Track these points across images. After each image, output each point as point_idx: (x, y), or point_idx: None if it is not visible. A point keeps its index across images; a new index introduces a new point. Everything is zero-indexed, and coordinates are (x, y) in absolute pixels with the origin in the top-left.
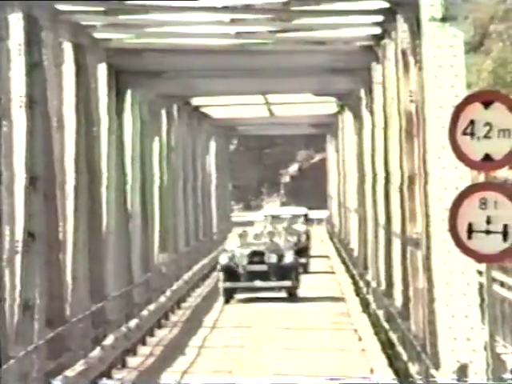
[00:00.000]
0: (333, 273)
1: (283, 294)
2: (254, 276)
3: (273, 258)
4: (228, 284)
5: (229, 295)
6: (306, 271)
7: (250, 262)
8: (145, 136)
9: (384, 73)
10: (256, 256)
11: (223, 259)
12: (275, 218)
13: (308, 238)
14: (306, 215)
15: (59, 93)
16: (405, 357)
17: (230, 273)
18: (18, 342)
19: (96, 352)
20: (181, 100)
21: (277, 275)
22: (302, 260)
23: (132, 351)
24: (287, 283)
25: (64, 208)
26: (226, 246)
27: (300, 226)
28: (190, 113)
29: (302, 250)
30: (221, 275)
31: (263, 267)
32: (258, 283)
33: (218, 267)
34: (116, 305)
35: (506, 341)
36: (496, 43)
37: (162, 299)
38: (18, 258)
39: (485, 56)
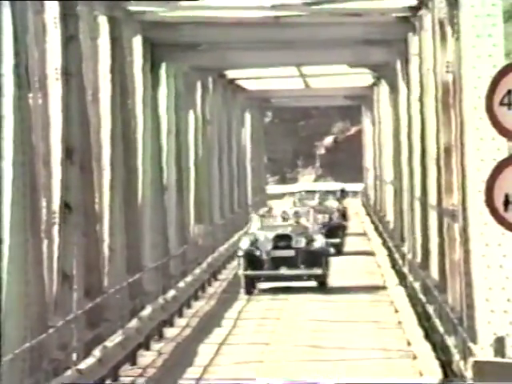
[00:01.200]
0: (370, 251)
1: (312, 283)
2: (279, 263)
3: (301, 242)
4: (249, 272)
5: (250, 285)
6: (339, 252)
7: (275, 247)
8: (180, 109)
9: (421, 44)
10: (282, 240)
11: (244, 243)
12: (308, 194)
13: (343, 215)
14: (342, 190)
15: (95, 66)
16: (441, 329)
17: (252, 259)
18: (56, 312)
19: (133, 323)
20: (215, 73)
21: (306, 262)
22: (335, 240)
23: (169, 322)
24: (317, 271)
25: (100, 180)
26: (249, 228)
27: (332, 203)
28: (225, 85)
29: (333, 230)
30: (241, 262)
31: (290, 252)
32: (283, 271)
33: (238, 252)
34: (153, 276)
35: None
36: None
37: (198, 271)
38: (56, 229)
39: None
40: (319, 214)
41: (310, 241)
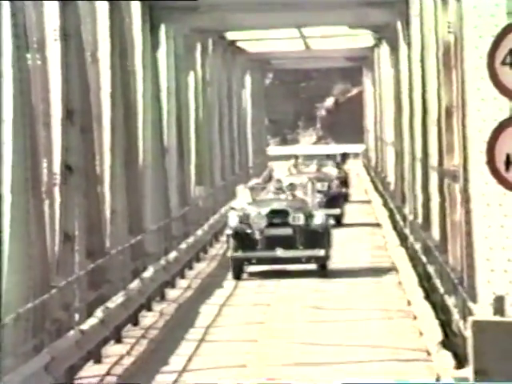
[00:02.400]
0: (371, 212)
1: (312, 266)
2: (274, 243)
3: (299, 219)
4: (240, 253)
5: (240, 268)
6: (338, 223)
7: (270, 225)
8: (180, 71)
9: (421, 4)
10: (277, 216)
11: (233, 220)
12: (307, 159)
13: (344, 182)
14: (343, 155)
15: (93, 27)
16: (441, 290)
17: (243, 239)
18: (58, 272)
19: (135, 284)
20: (215, 34)
21: (305, 242)
22: (335, 211)
23: (171, 284)
24: (318, 252)
25: (101, 142)
26: (234, 203)
27: (332, 170)
28: (225, 47)
29: (333, 200)
30: (230, 241)
31: (287, 231)
32: (279, 252)
33: (226, 231)
34: (154, 238)
35: None
36: None
37: (200, 232)
38: (57, 191)
39: None
40: (317, 182)
41: (310, 217)
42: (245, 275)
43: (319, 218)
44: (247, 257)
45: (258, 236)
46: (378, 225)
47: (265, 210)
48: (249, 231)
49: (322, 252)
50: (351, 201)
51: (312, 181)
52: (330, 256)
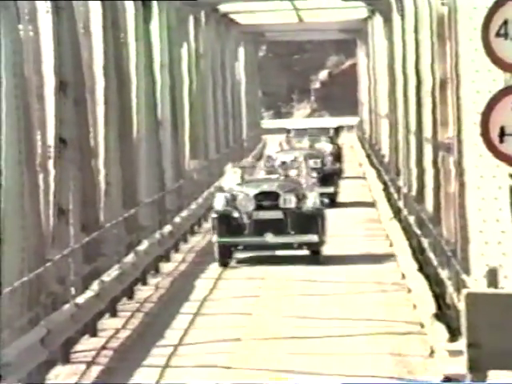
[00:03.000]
0: (364, 178)
1: (304, 252)
2: (263, 227)
3: (291, 202)
4: (226, 239)
5: (226, 255)
6: (332, 202)
7: (259, 207)
8: (173, 43)
9: None
10: (267, 198)
11: (219, 202)
12: (300, 133)
13: (338, 158)
14: (336, 129)
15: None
16: (435, 262)
17: (229, 223)
18: (53, 246)
19: (130, 257)
20: (208, 7)
21: (296, 226)
22: (328, 189)
23: (165, 257)
24: (311, 238)
25: (94, 114)
26: (223, 182)
27: (325, 145)
28: (218, 20)
29: (326, 177)
30: (215, 226)
31: (277, 214)
32: (269, 238)
33: (212, 214)
34: (149, 211)
35: None
36: None
37: (194, 206)
38: (51, 164)
39: None
40: (310, 158)
41: (302, 199)
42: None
43: (313, 200)
44: (234, 242)
45: (245, 220)
46: (372, 197)
47: (253, 192)
48: (236, 215)
49: (314, 238)
50: (347, 173)
51: (306, 158)
52: (323, 242)
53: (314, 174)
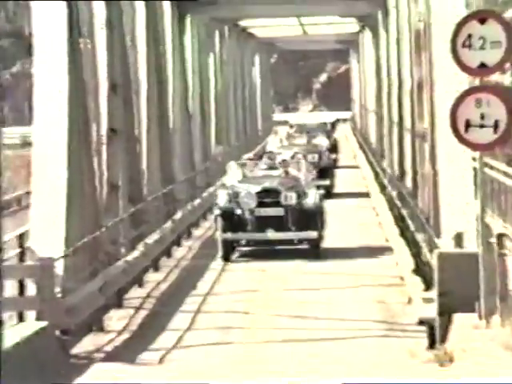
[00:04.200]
0: (356, 165)
1: (304, 246)
2: (265, 224)
3: (291, 198)
4: (229, 235)
5: (229, 250)
6: (328, 194)
7: (260, 204)
8: (202, 52)
9: None
10: (268, 195)
11: (221, 199)
12: (300, 128)
13: (334, 149)
14: (333, 123)
15: (133, 17)
16: (413, 228)
17: (232, 219)
18: (107, 215)
19: (168, 224)
20: (230, 23)
21: (297, 223)
22: (324, 182)
23: (196, 224)
24: (311, 234)
25: (139, 110)
26: (226, 179)
27: (323, 141)
28: (239, 33)
29: (323, 171)
30: (218, 222)
31: (278, 211)
32: (270, 234)
33: (215, 210)
34: (182, 188)
35: (494, 212)
36: None
37: (219, 183)
38: (104, 149)
39: None
40: (308, 153)
41: (303, 196)
42: None
43: (312, 197)
44: (236, 238)
45: (247, 216)
46: (358, 167)
47: (255, 189)
48: (238, 211)
49: (314, 234)
50: (341, 156)
51: (304, 154)
52: (323, 237)
53: (313, 171)
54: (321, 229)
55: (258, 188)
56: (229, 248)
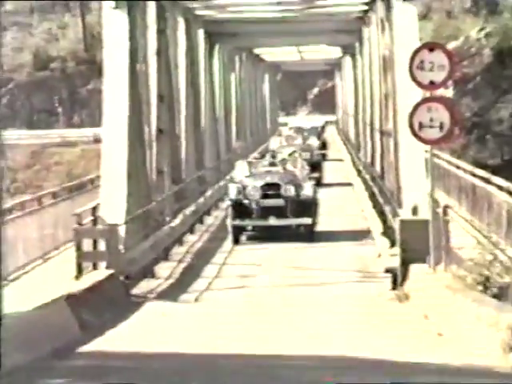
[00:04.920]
0: (340, 158)
1: (301, 231)
2: (268, 212)
3: (290, 191)
4: (238, 221)
5: (238, 234)
6: (318, 184)
7: (264, 196)
8: (225, 72)
9: (369, 32)
10: (271, 188)
11: (232, 192)
12: (297, 131)
13: (324, 146)
14: (323, 127)
15: (175, 46)
16: (381, 201)
17: (241, 208)
18: (156, 193)
19: (201, 200)
20: (247, 50)
21: (295, 211)
22: (315, 174)
23: (221, 199)
24: (307, 221)
25: (179, 114)
26: (234, 174)
27: (313, 141)
28: (253, 58)
29: (314, 165)
30: (229, 211)
31: (279, 202)
32: (272, 221)
33: (226, 201)
34: (211, 173)
35: (440, 190)
36: (435, 14)
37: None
38: (154, 144)
39: (429, 21)
40: (302, 152)
41: (299, 188)
42: None
43: (307, 189)
44: (244, 224)
45: (253, 206)
46: (342, 160)
47: (260, 183)
48: (246, 202)
49: (309, 220)
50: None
51: (300, 154)
52: (316, 223)
53: (307, 167)
54: (314, 216)
55: (262, 182)
56: (238, 232)
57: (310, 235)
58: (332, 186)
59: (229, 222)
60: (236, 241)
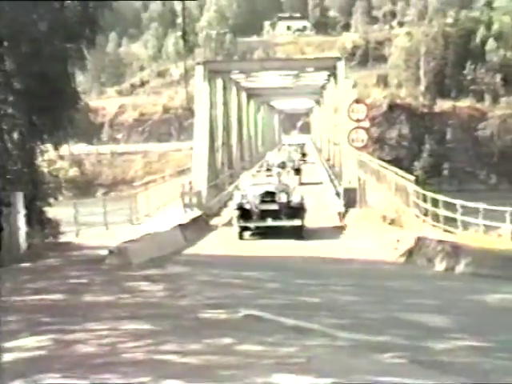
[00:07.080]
0: (314, 162)
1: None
2: (265, 215)
3: (283, 198)
4: (242, 223)
5: (243, 232)
6: (301, 183)
7: (263, 202)
8: (256, 114)
9: (327, 93)
10: (268, 196)
11: (237, 198)
12: (290, 145)
13: (303, 155)
14: (303, 144)
15: (230, 101)
16: (336, 182)
17: (244, 212)
18: (221, 174)
19: (231, 187)
20: (266, 103)
21: (287, 214)
22: (297, 177)
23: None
24: (297, 222)
25: (232, 135)
26: (240, 184)
27: (295, 155)
28: (270, 107)
29: (297, 170)
30: (235, 214)
31: (275, 206)
32: (269, 222)
33: (234, 206)
34: (235, 173)
35: (362, 172)
36: (359, 86)
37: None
38: (220, 151)
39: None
40: (288, 161)
41: (290, 196)
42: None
43: (297, 197)
44: (247, 225)
45: (254, 210)
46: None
47: (259, 192)
48: (248, 206)
49: (299, 222)
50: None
51: (292, 167)
52: (304, 225)
53: (297, 179)
54: (303, 219)
55: (261, 191)
56: (242, 230)
57: (299, 234)
58: (308, 169)
59: (235, 222)
60: (241, 237)
